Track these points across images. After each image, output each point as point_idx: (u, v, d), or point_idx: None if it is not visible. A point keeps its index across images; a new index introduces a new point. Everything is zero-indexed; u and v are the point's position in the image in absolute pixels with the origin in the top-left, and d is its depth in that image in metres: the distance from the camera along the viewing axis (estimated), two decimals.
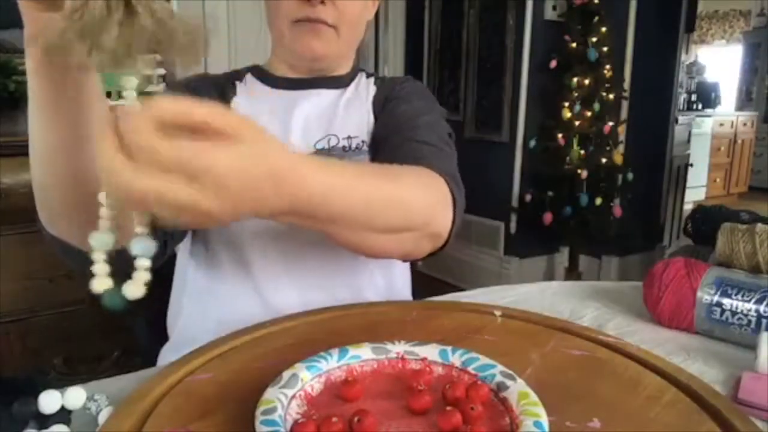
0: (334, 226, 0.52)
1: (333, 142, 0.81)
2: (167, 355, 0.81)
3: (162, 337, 0.85)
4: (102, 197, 0.41)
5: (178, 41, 0.38)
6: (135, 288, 0.41)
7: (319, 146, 0.80)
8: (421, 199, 0.62)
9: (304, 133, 0.81)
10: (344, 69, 0.88)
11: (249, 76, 0.87)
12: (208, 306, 0.80)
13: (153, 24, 0.37)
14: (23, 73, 1.92)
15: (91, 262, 0.61)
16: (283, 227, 0.77)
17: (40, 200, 0.56)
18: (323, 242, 0.79)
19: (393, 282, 0.88)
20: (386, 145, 0.79)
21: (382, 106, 0.85)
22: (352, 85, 0.88)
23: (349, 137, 0.82)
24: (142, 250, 0.40)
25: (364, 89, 0.88)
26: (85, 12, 0.36)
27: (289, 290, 0.78)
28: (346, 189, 0.50)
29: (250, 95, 0.84)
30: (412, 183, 0.62)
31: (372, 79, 0.90)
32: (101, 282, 0.41)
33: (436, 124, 0.81)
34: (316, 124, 0.82)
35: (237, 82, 0.85)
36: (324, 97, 0.85)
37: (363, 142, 0.82)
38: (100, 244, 0.41)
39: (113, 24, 0.36)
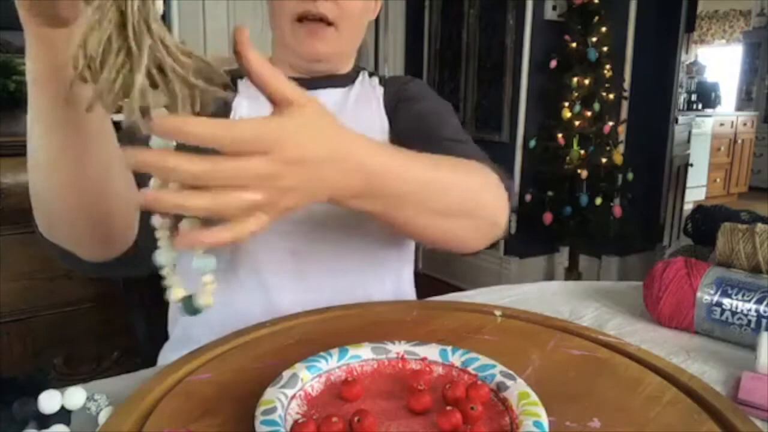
0: (399, 207, 0.54)
1: None
2: (167, 354, 0.81)
3: (162, 336, 0.85)
4: (156, 221, 0.43)
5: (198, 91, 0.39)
6: (205, 298, 0.43)
7: None
8: (480, 185, 0.63)
9: None
10: (346, 67, 0.87)
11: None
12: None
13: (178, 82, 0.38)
14: (23, 73, 1.91)
15: (91, 268, 0.61)
16: (292, 229, 0.76)
17: (37, 207, 0.56)
18: (334, 246, 0.78)
19: (401, 287, 0.87)
20: (415, 145, 0.78)
21: (393, 108, 0.85)
22: (357, 83, 0.87)
23: None
24: (203, 265, 0.43)
25: (371, 89, 0.87)
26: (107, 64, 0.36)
27: (296, 293, 0.77)
28: (404, 168, 0.52)
29: (253, 95, 0.82)
30: (467, 169, 0.63)
31: (376, 79, 0.90)
32: (176, 293, 0.43)
33: (453, 120, 0.83)
34: None
35: (238, 80, 0.83)
36: (330, 96, 0.84)
37: None
38: (165, 260, 0.43)
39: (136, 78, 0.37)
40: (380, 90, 0.87)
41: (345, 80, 0.86)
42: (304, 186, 0.43)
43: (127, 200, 0.58)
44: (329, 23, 0.77)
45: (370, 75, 0.90)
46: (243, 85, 0.82)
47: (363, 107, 0.84)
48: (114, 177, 0.54)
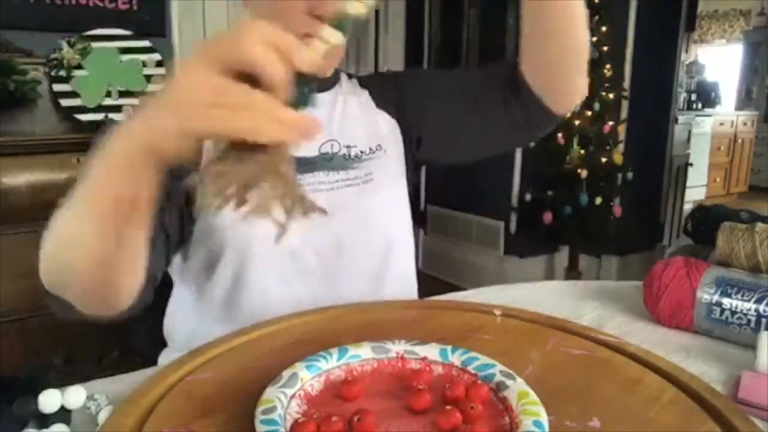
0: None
1: (335, 149, 0.82)
2: (166, 359, 0.81)
3: (162, 336, 0.84)
4: None
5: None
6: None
7: (323, 150, 0.81)
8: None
9: None
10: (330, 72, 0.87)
11: None
12: (208, 308, 0.79)
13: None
14: (23, 72, 1.91)
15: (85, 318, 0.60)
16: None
17: (51, 271, 0.56)
18: (337, 247, 0.78)
19: (405, 285, 0.88)
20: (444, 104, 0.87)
21: (396, 103, 0.89)
22: (343, 85, 0.89)
23: (348, 146, 0.83)
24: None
25: (358, 92, 0.89)
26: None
27: (298, 299, 0.75)
28: None
29: None
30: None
31: (355, 80, 0.92)
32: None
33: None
34: None
35: None
36: (320, 99, 0.85)
37: (361, 151, 0.84)
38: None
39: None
40: (365, 93, 0.90)
41: (330, 82, 0.87)
42: None
43: (137, 274, 0.58)
44: None
45: (349, 76, 0.92)
46: None
47: (351, 117, 0.86)
48: (137, 260, 0.56)
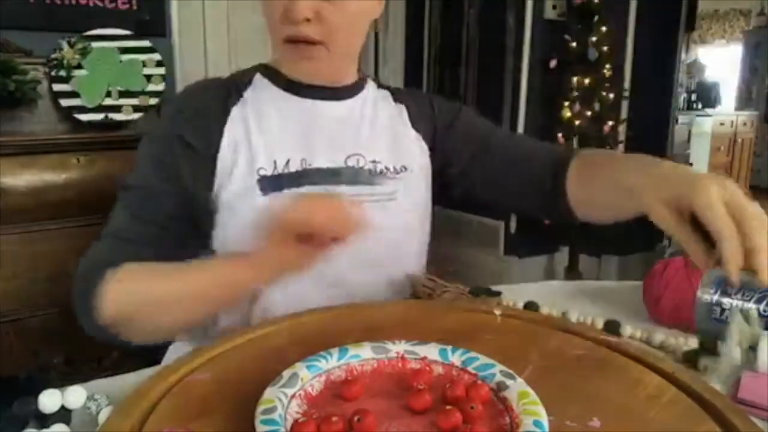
0: None
1: (361, 163, 0.81)
2: (174, 353, 0.82)
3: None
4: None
5: None
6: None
7: (349, 162, 0.81)
8: None
9: (331, 145, 0.80)
10: (349, 77, 0.86)
11: (258, 78, 0.83)
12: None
13: None
14: (23, 72, 1.90)
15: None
16: None
17: (134, 320, 0.65)
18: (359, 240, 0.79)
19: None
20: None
21: (433, 134, 0.89)
22: (368, 95, 0.87)
23: (374, 161, 0.82)
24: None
25: (384, 104, 0.88)
26: None
27: (319, 288, 0.77)
28: None
29: (262, 100, 0.81)
30: None
31: (385, 91, 0.90)
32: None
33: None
34: (342, 138, 0.82)
35: (247, 88, 0.82)
36: (342, 109, 0.84)
37: (387, 168, 0.83)
38: None
39: None
40: (401, 108, 0.89)
41: (351, 92, 0.85)
42: None
43: None
44: (317, 42, 0.75)
45: (379, 86, 0.91)
46: (250, 92, 0.81)
47: (379, 132, 0.85)
48: None
